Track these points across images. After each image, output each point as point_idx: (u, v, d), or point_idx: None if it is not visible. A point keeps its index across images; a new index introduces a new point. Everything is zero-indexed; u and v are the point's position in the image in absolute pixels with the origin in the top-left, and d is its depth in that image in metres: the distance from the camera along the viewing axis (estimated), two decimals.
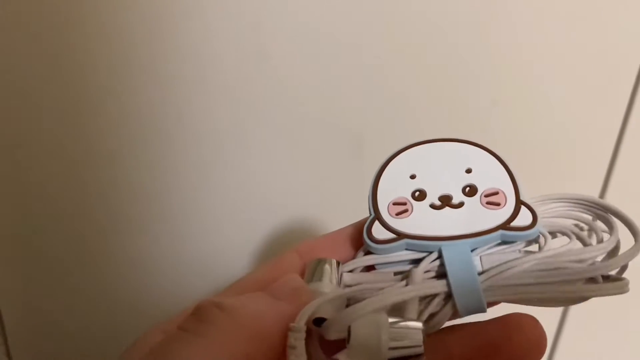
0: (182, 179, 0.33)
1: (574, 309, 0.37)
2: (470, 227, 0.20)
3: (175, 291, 0.35)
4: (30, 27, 0.30)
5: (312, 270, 0.20)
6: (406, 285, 0.19)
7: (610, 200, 0.34)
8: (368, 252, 0.21)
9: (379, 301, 0.17)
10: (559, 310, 0.38)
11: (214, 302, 0.18)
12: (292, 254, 0.22)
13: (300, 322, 0.17)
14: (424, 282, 0.19)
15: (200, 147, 0.32)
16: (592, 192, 0.34)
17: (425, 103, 0.33)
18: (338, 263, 0.20)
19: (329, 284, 0.19)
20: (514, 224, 0.20)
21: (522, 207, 0.20)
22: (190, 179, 0.33)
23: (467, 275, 0.19)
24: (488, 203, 0.21)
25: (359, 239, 0.22)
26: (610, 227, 0.20)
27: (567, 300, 0.19)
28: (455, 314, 0.20)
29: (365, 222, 0.22)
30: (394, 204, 0.21)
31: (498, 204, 0.21)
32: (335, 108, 0.32)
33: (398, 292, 0.18)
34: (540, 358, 0.19)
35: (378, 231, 0.20)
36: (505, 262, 0.19)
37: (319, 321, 0.18)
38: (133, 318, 0.36)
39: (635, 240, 0.19)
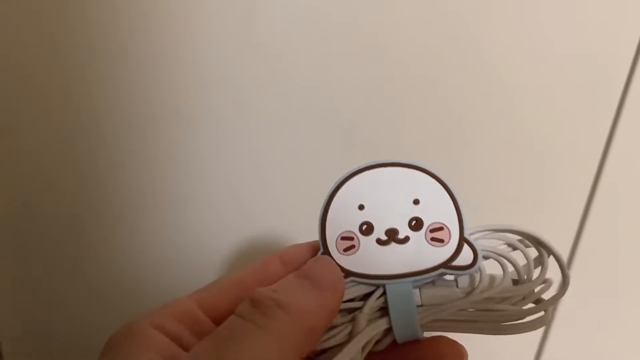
0: (171, 171, 0.33)
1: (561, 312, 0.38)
2: (413, 264, 0.21)
3: (160, 285, 0.36)
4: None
5: None
6: (352, 329, 0.21)
7: (599, 204, 0.34)
8: None
9: None
10: None
11: (272, 299, 0.19)
12: (275, 260, 0.23)
13: None
14: (368, 326, 0.21)
15: (189, 138, 0.32)
16: (580, 195, 0.34)
17: (414, 101, 0.31)
18: None
19: None
20: (455, 263, 0.21)
21: (465, 245, 0.21)
22: (179, 172, 0.33)
23: (406, 313, 0.21)
24: (432, 239, 0.21)
25: None
26: (543, 263, 0.21)
27: (494, 334, 0.21)
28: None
29: None
30: (342, 238, 0.22)
31: (442, 241, 0.21)
32: (326, 102, 0.31)
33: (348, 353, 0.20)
34: None
35: None
36: (443, 304, 0.21)
37: None
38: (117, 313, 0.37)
39: (563, 282, 0.20)
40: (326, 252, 0.21)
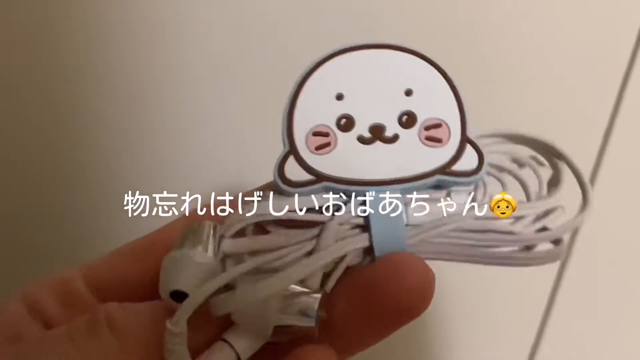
0: (165, 167, 0.32)
1: (564, 289, 0.36)
2: (403, 169, 0.16)
3: None
4: None
5: (184, 235, 0.16)
6: (316, 244, 0.16)
7: (601, 185, 0.32)
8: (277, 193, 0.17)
9: (271, 287, 0.14)
10: (547, 291, 0.38)
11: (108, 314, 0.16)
12: (174, 224, 0.19)
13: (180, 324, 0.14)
14: (338, 241, 0.16)
15: (182, 131, 0.31)
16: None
17: None
18: (215, 226, 0.16)
19: (201, 253, 0.16)
20: (455, 167, 0.17)
21: (468, 146, 0.17)
22: (173, 168, 0.32)
23: (393, 229, 0.16)
24: (427, 138, 0.17)
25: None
26: (557, 179, 0.17)
27: (495, 264, 0.17)
28: None
29: None
30: (315, 134, 0.17)
31: (439, 140, 0.17)
32: None
33: (301, 270, 0.15)
34: (424, 303, 0.16)
35: (293, 170, 0.17)
36: (432, 222, 0.16)
37: (178, 295, 0.15)
38: None
39: (584, 202, 0.17)
40: (293, 149, 0.17)
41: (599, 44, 0.30)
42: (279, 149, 0.17)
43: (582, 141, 0.33)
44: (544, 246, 0.17)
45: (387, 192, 0.16)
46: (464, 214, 0.17)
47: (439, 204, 0.17)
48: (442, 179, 0.16)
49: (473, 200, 0.17)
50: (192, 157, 0.33)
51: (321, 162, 0.17)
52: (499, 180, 0.18)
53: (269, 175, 0.17)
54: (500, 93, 0.31)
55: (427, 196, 0.17)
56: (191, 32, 0.30)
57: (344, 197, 0.17)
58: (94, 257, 0.19)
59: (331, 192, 0.17)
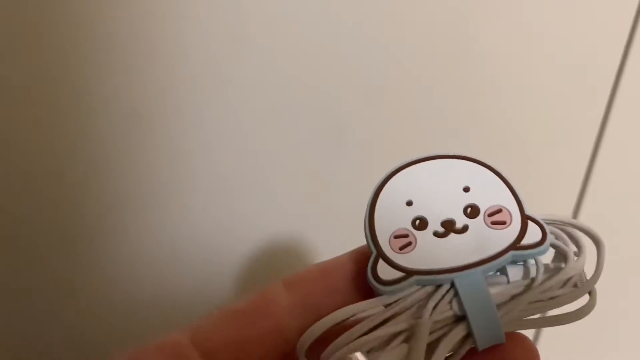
0: (161, 172, 0.31)
1: None
2: (479, 252, 0.19)
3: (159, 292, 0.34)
4: None
5: None
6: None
7: (589, 200, 0.35)
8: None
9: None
10: None
11: None
12: (277, 285, 0.20)
13: None
14: (438, 334, 0.18)
15: (179, 137, 0.30)
16: (570, 194, 0.35)
17: (407, 99, 0.32)
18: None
19: None
20: (524, 242, 0.19)
21: (529, 222, 0.19)
22: (169, 174, 0.32)
23: (485, 309, 0.18)
24: (493, 223, 0.19)
25: (356, 270, 0.20)
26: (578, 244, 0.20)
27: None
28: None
29: (359, 253, 0.20)
30: (396, 237, 0.20)
31: (504, 222, 0.19)
32: (319, 101, 0.31)
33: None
34: None
35: (384, 270, 0.19)
36: (511, 301, 0.18)
37: None
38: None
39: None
40: (380, 253, 0.19)
41: (590, 46, 0.31)
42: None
43: (575, 144, 0.34)
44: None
45: (471, 275, 0.18)
46: (528, 289, 0.19)
47: (504, 285, 0.19)
48: (516, 253, 0.19)
49: (527, 273, 0.19)
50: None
51: (407, 260, 0.19)
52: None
53: None
54: (493, 96, 0.32)
55: (494, 281, 0.19)
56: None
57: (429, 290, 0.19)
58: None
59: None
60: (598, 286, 0.19)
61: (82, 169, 0.31)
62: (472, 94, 0.32)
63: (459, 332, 0.18)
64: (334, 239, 0.33)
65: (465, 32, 0.31)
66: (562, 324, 0.19)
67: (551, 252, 0.20)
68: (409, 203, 0.20)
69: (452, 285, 0.19)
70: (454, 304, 0.18)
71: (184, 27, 0.29)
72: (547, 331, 0.39)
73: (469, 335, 0.18)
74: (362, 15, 0.30)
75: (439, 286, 0.19)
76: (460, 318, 0.18)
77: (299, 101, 0.31)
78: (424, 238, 0.19)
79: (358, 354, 0.16)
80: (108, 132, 0.30)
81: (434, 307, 0.18)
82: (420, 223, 0.20)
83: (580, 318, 0.19)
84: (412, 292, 0.19)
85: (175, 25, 0.28)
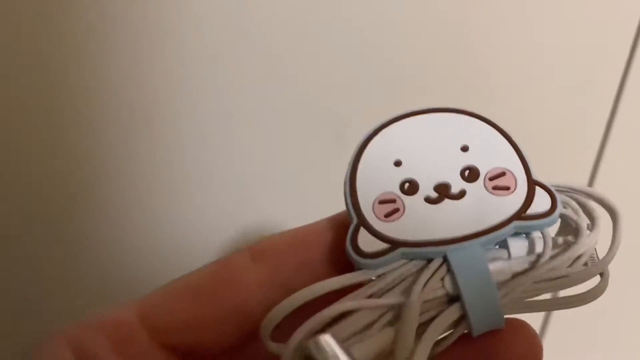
0: (161, 169, 0.31)
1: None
2: (478, 222, 0.16)
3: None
4: None
5: None
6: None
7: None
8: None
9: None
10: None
11: None
12: (243, 254, 0.18)
13: None
14: (429, 316, 0.15)
15: (178, 135, 0.30)
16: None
17: (407, 100, 0.30)
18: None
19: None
20: (530, 211, 0.16)
21: (537, 188, 0.17)
22: (168, 170, 0.31)
23: (483, 287, 0.15)
24: (494, 188, 0.17)
25: (334, 240, 0.18)
26: (593, 217, 0.17)
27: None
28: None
29: (339, 221, 0.17)
30: (381, 202, 0.17)
31: (507, 188, 0.17)
32: (318, 101, 0.30)
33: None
34: None
35: (366, 241, 0.16)
36: (514, 279, 0.16)
37: None
38: None
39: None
40: (361, 220, 0.16)
41: (596, 45, 0.31)
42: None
43: (580, 145, 0.33)
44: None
45: (468, 248, 0.16)
46: (538, 268, 0.16)
47: (506, 261, 0.16)
48: (520, 224, 0.16)
49: (531, 247, 0.17)
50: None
51: (393, 229, 0.16)
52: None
53: None
54: (496, 96, 0.32)
55: (493, 255, 0.17)
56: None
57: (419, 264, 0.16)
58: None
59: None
60: (611, 267, 0.17)
61: (83, 169, 0.31)
62: (472, 94, 0.31)
63: (451, 314, 0.16)
64: None
65: (466, 32, 0.30)
66: (566, 308, 0.17)
67: (556, 224, 0.18)
68: (398, 163, 0.17)
69: (445, 259, 0.16)
70: (447, 281, 0.16)
71: (184, 27, 0.29)
72: (555, 322, 0.38)
73: (462, 318, 0.16)
74: (362, 15, 0.29)
75: (429, 260, 0.16)
76: (454, 298, 0.16)
77: (299, 101, 0.30)
78: (413, 204, 0.17)
79: (327, 337, 0.14)
80: (108, 132, 0.30)
81: (424, 285, 0.16)
82: (410, 187, 0.17)
83: (586, 302, 0.16)
84: (398, 267, 0.16)
85: (175, 25, 0.28)
